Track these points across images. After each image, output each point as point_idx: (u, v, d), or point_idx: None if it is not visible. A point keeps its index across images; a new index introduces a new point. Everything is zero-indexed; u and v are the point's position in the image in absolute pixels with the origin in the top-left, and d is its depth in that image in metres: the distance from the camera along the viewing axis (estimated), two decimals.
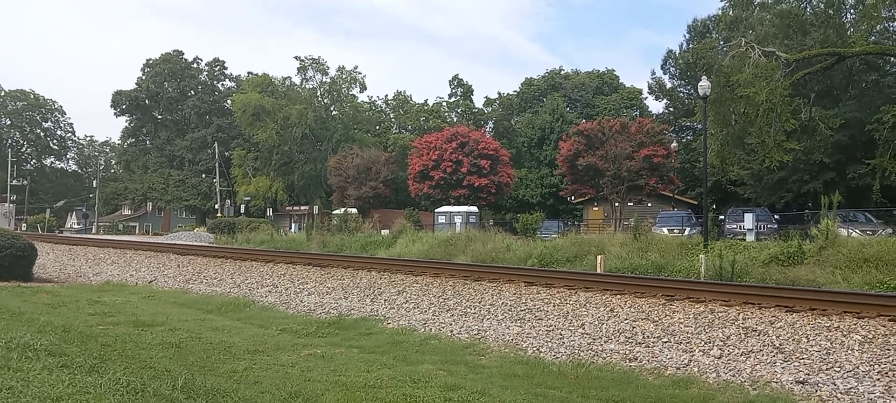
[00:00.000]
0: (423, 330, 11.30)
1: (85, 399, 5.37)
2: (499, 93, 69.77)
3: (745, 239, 22.62)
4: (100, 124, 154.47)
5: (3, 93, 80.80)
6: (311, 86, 62.40)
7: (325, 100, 62.82)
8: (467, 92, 67.74)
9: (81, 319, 10.93)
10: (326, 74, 62.46)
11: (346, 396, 6.53)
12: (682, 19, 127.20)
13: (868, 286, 13.63)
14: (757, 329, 9.47)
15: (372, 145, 55.05)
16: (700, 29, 51.66)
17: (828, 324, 9.27)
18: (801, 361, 8.28)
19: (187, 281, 18.17)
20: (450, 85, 68.08)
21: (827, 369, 7.98)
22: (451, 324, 11.44)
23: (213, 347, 8.91)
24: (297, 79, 62.90)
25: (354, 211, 40.88)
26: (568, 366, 8.81)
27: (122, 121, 74.21)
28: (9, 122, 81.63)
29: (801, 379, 7.78)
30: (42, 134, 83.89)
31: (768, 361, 8.42)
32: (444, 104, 68.22)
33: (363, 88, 63.43)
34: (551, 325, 10.80)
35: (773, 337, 9.08)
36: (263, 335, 10.41)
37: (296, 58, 69.05)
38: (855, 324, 9.18)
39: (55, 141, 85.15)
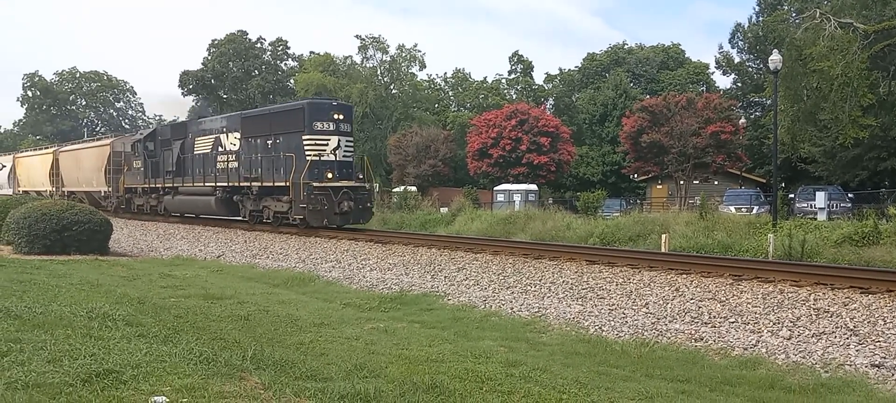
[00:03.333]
0: (483, 306, 11.34)
1: (161, 366, 5.60)
2: (560, 70, 68.85)
3: (816, 219, 21.85)
4: (168, 103, 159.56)
5: (78, 75, 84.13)
6: (371, 65, 62.87)
7: (386, 79, 63.18)
8: (527, 68, 67.06)
9: (155, 291, 11.39)
10: (386, 53, 62.75)
11: (409, 369, 6.63)
12: None
13: None
14: (829, 310, 9.16)
15: (431, 123, 55.14)
16: (771, 1, 49.71)
17: None
18: (877, 344, 7.98)
19: (254, 256, 18.67)
20: (509, 61, 67.51)
21: None
22: (511, 302, 11.45)
23: (279, 320, 9.17)
24: (357, 58, 63.43)
25: (414, 189, 41.15)
26: (631, 345, 8.72)
27: (190, 101, 76.34)
28: (84, 103, 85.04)
29: (876, 363, 7.51)
30: (115, 113, 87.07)
31: (841, 343, 8.15)
32: (504, 81, 67.75)
33: (422, 66, 63.52)
34: (614, 304, 10.69)
35: (847, 319, 8.77)
36: (328, 308, 10.65)
37: (356, 36, 69.50)
38: None
39: (127, 120, 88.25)
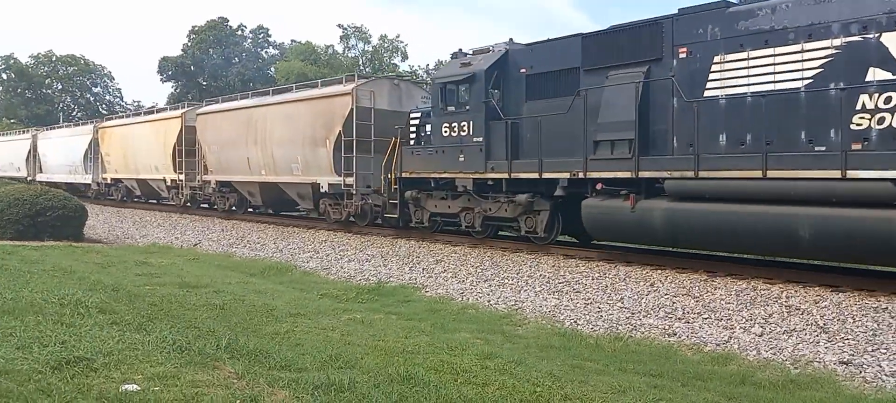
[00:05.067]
0: (460, 299, 11.38)
1: (133, 354, 5.57)
2: None
3: None
4: (147, 89, 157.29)
5: (54, 59, 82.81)
6: (353, 55, 62.60)
7: (368, 69, 62.98)
8: None
9: (129, 279, 11.28)
10: (369, 43, 62.57)
11: (384, 360, 6.65)
12: None
13: None
14: (800, 307, 9.31)
15: None
16: None
17: (875, 305, 9.06)
18: (846, 341, 8.12)
19: (231, 245, 18.55)
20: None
21: (872, 350, 7.81)
22: (488, 294, 11.50)
23: (255, 309, 9.13)
24: (339, 48, 63.17)
25: None
26: (606, 339, 8.80)
27: (169, 87, 75.48)
28: (60, 87, 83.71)
29: (844, 360, 7.64)
30: (92, 98, 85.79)
31: (811, 341, 8.28)
32: None
33: (405, 57, 63.44)
34: (589, 298, 10.77)
35: (817, 317, 8.91)
36: (305, 299, 10.62)
37: (339, 25, 69.30)
38: None
39: (104, 105, 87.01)
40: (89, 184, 32.65)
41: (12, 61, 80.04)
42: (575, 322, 9.77)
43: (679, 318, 9.53)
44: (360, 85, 18.25)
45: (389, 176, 16.57)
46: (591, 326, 9.54)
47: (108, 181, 31.07)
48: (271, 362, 6.10)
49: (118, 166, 29.73)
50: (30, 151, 39.38)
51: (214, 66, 71.37)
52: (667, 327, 9.24)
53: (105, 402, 4.41)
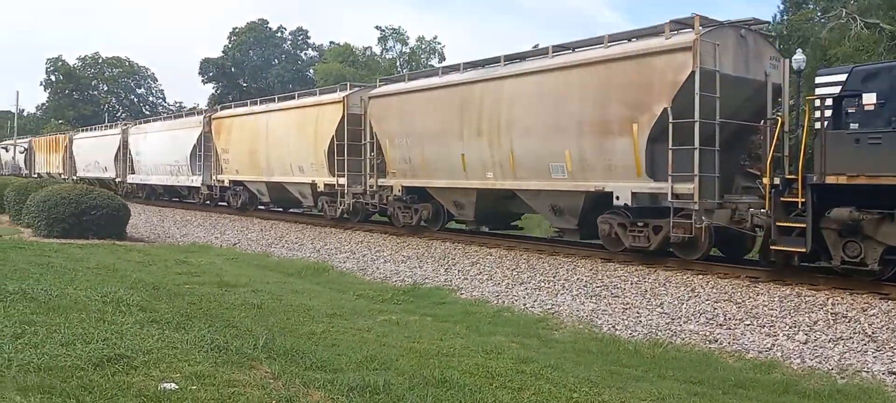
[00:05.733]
0: (495, 302, 11.31)
1: (172, 353, 5.63)
2: None
3: None
4: (189, 91, 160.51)
5: (100, 60, 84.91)
6: (390, 57, 62.90)
7: (405, 70, 63.22)
8: None
9: (170, 278, 11.46)
10: (406, 44, 62.82)
11: (419, 363, 6.62)
12: None
13: None
14: (847, 315, 9.03)
15: None
16: None
17: None
18: None
19: (269, 245, 18.76)
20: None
21: None
22: (524, 298, 11.41)
23: (292, 309, 9.19)
24: (377, 49, 63.54)
25: None
26: (644, 345, 8.66)
27: (209, 89, 76.81)
28: (106, 88, 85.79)
29: (894, 371, 7.39)
30: (135, 99, 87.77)
31: (858, 349, 8.03)
32: None
33: (442, 58, 63.45)
34: (628, 303, 10.61)
35: (865, 325, 8.64)
36: (341, 299, 10.67)
37: (376, 27, 69.65)
38: None
39: (147, 106, 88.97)
40: (197, 188, 27.14)
41: (60, 63, 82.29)
42: (613, 327, 9.63)
43: (720, 325, 9.33)
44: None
45: (765, 180, 10.56)
46: (629, 331, 9.40)
47: (226, 184, 25.30)
48: (307, 362, 6.11)
49: (241, 165, 23.92)
50: (119, 148, 33.98)
51: (254, 67, 72.40)
52: (708, 333, 9.05)
53: (144, 400, 4.46)
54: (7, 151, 58.47)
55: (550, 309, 10.68)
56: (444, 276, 13.31)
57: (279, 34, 74.14)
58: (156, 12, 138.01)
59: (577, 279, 12.11)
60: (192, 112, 31.25)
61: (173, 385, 4.75)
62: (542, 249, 14.73)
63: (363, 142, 18.36)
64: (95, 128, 41.09)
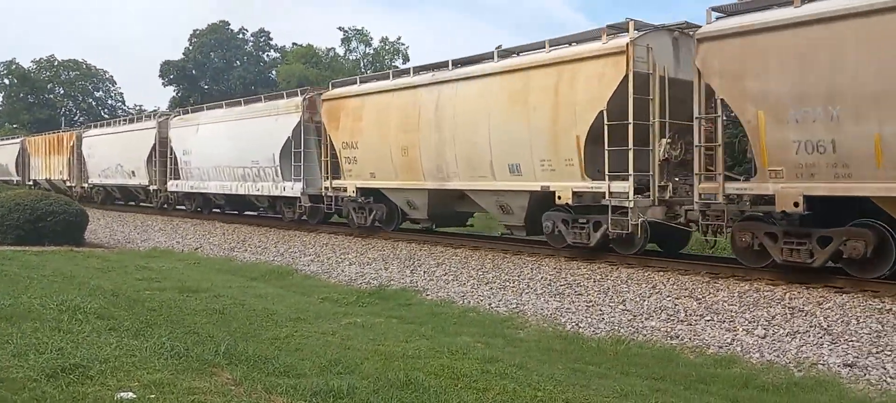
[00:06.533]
0: (461, 302, 11.32)
1: (131, 361, 5.53)
2: None
3: None
4: (148, 94, 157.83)
5: (56, 64, 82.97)
6: (354, 58, 62.65)
7: (369, 72, 63.06)
8: None
9: (129, 284, 11.24)
10: (370, 46, 62.64)
11: (385, 365, 6.59)
12: None
13: None
14: (804, 309, 9.24)
15: None
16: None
17: (879, 306, 8.99)
18: (850, 343, 8.05)
19: (232, 249, 18.52)
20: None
21: (877, 352, 7.74)
22: (489, 297, 11.44)
23: (255, 314, 9.08)
24: (340, 51, 63.23)
25: None
26: (607, 342, 8.74)
27: (170, 91, 75.59)
28: (62, 92, 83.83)
29: (849, 362, 7.57)
30: (93, 103, 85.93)
31: (815, 342, 8.21)
32: None
33: (406, 60, 63.41)
34: (591, 301, 10.71)
35: (821, 318, 8.85)
36: (305, 303, 10.57)
37: (340, 28, 69.57)
38: None
39: (106, 110, 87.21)
40: (295, 198, 19.65)
41: (14, 66, 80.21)
42: (577, 325, 9.71)
43: (681, 321, 9.47)
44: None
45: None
46: (592, 329, 9.49)
47: (350, 193, 17.74)
48: (270, 368, 6.05)
49: (375, 166, 16.77)
50: (155, 146, 26.52)
51: (216, 70, 71.46)
52: (669, 329, 9.18)
53: None
54: None
55: (515, 308, 10.73)
56: (410, 278, 13.28)
57: (241, 36, 73.30)
58: (113, 14, 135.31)
59: (542, 278, 12.19)
60: (275, 94, 22.58)
61: (131, 394, 4.66)
62: (507, 249, 14.81)
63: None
64: (116, 123, 32.69)
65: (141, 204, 30.62)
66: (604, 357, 8.00)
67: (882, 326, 8.38)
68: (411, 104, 15.68)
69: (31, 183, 38.72)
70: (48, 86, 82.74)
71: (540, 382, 6.29)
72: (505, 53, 14.05)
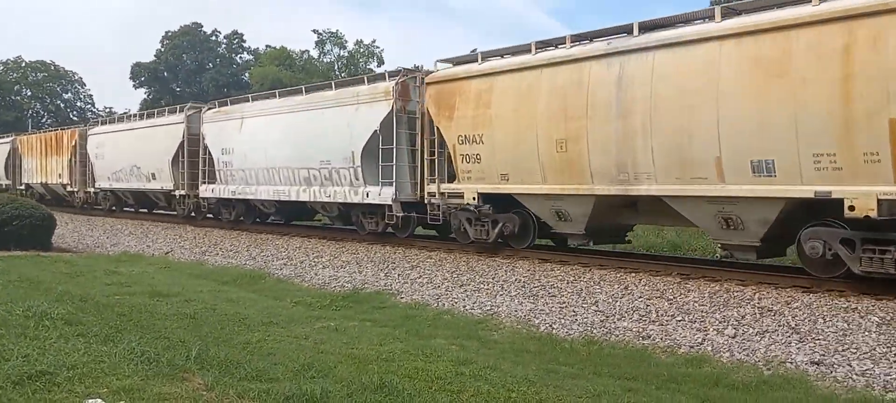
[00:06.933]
0: (436, 304, 11.32)
1: (100, 367, 5.45)
2: None
3: None
4: (119, 96, 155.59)
5: (23, 65, 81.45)
6: (328, 60, 62.39)
7: (343, 74, 62.83)
8: None
9: (98, 289, 11.07)
10: (344, 48, 62.44)
11: (358, 368, 6.57)
12: None
13: None
14: (772, 309, 9.39)
15: None
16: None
17: (845, 305, 9.16)
18: (817, 342, 8.20)
19: (203, 253, 18.32)
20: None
21: (843, 350, 7.90)
22: (463, 300, 11.45)
23: (227, 318, 9.00)
24: (315, 53, 62.94)
25: None
26: (580, 343, 8.80)
27: (141, 93, 74.66)
28: (30, 93, 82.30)
29: (816, 360, 7.71)
30: (62, 104, 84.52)
31: (783, 341, 8.35)
32: None
33: (381, 62, 63.33)
34: (564, 302, 10.78)
35: (789, 318, 9.00)
36: (278, 307, 10.49)
37: (314, 31, 69.23)
38: (873, 306, 9.06)
39: (75, 112, 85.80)
40: (382, 206, 16.08)
41: None
42: (550, 326, 9.76)
43: (653, 321, 9.57)
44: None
45: None
46: (566, 330, 9.54)
47: (468, 200, 14.17)
48: (242, 372, 6.00)
49: (511, 165, 13.37)
50: (181, 146, 22.93)
51: (188, 72, 70.74)
52: (641, 330, 9.27)
53: None
54: None
55: (490, 310, 10.75)
56: (385, 281, 13.25)
57: (214, 38, 72.65)
58: (83, 15, 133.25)
59: (516, 279, 12.23)
60: (351, 80, 18.74)
61: (99, 400, 4.59)
62: (481, 251, 14.83)
63: None
64: (132, 117, 28.52)
65: (160, 211, 27.16)
66: (577, 358, 8.06)
67: (848, 325, 8.54)
68: (574, 83, 12.07)
69: (22, 187, 35.23)
70: (15, 88, 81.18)
71: (514, 383, 6.32)
72: (730, 10, 10.64)
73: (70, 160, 30.26)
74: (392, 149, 15.53)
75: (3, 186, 36.65)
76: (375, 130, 15.78)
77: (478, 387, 6.15)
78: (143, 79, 71.67)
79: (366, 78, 17.54)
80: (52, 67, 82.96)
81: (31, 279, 11.53)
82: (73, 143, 30.09)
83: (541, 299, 11.07)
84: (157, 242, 20.89)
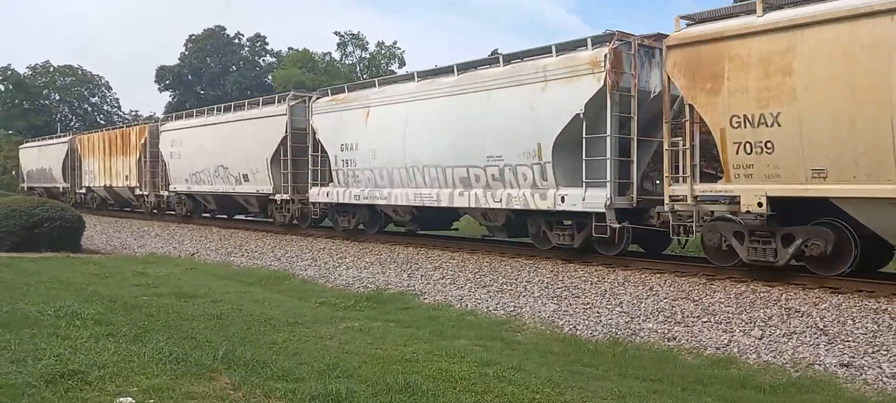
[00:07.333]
0: (459, 305, 11.33)
1: (129, 366, 5.53)
2: None
3: None
4: (144, 99, 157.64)
5: (52, 69, 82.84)
6: (350, 62, 62.68)
7: (365, 76, 63.05)
8: None
9: (127, 289, 11.24)
10: (366, 50, 62.69)
11: (382, 369, 6.60)
12: None
13: None
14: (800, 310, 9.27)
15: None
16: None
17: (875, 306, 9.02)
18: (846, 344, 8.08)
19: (229, 254, 18.51)
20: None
21: (873, 352, 7.77)
22: (487, 300, 11.45)
23: (253, 319, 9.08)
24: (337, 55, 63.27)
25: None
26: (605, 344, 8.76)
27: (166, 96, 75.56)
28: (58, 97, 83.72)
29: (845, 362, 7.60)
30: (89, 108, 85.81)
31: (811, 343, 8.24)
32: None
33: (402, 64, 63.45)
34: (588, 303, 10.73)
35: (817, 319, 8.88)
36: (303, 307, 10.58)
37: (336, 33, 69.57)
38: None
39: (102, 115, 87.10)
40: (585, 214, 12.58)
41: (10, 72, 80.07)
42: (574, 327, 9.73)
43: (678, 322, 9.49)
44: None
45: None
46: (590, 331, 9.50)
47: (748, 207, 10.26)
48: (268, 372, 6.05)
49: (829, 156, 9.41)
50: (284, 142, 19.38)
51: (212, 75, 71.48)
52: (666, 331, 9.20)
53: None
54: (33, 155, 39.34)
55: (513, 311, 10.74)
56: (408, 281, 13.29)
57: (237, 41, 73.34)
58: (110, 19, 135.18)
59: (539, 280, 12.20)
60: (535, 50, 13.85)
61: (129, 399, 4.67)
62: (505, 251, 14.81)
63: None
64: (213, 111, 23.98)
65: (251, 218, 24.35)
66: (601, 360, 8.02)
67: (878, 326, 8.41)
68: None
69: (83, 191, 32.78)
70: (44, 92, 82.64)
71: (538, 384, 6.30)
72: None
73: (138, 160, 27.28)
74: (604, 138, 12.13)
75: (61, 190, 34.64)
76: (578, 114, 12.28)
77: (502, 388, 6.15)
78: (167, 82, 72.52)
79: (554, 47, 13.20)
80: (80, 71, 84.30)
81: (62, 280, 11.74)
82: (143, 141, 26.97)
83: (564, 300, 11.03)
84: (183, 244, 21.14)
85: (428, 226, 17.76)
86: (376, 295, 12.16)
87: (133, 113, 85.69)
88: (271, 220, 21.31)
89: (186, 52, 72.19)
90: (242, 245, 19.60)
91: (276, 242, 19.31)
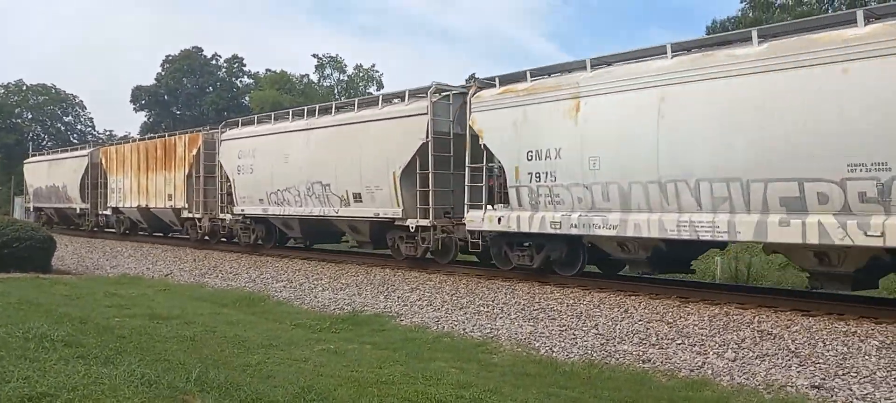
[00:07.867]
0: (435, 327, 11.30)
1: (100, 389, 5.44)
2: None
3: None
4: (119, 119, 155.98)
5: (25, 88, 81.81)
6: (328, 84, 62.76)
7: (343, 97, 63.18)
8: None
9: (98, 311, 11.06)
10: (344, 72, 62.84)
11: (358, 392, 6.56)
12: (701, 20, 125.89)
13: (887, 291, 13.47)
14: (772, 332, 9.39)
15: None
16: (718, 31, 51.21)
17: (845, 329, 9.17)
18: (817, 365, 8.19)
19: (203, 275, 18.30)
20: (466, 83, 68.24)
21: (843, 374, 7.89)
22: (463, 322, 11.44)
23: (227, 341, 8.98)
24: (314, 77, 63.34)
25: None
26: (580, 366, 8.78)
27: (142, 116, 74.95)
28: (30, 116, 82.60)
29: (816, 384, 7.69)
30: (62, 127, 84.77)
31: (783, 365, 8.34)
32: None
33: (380, 86, 63.74)
34: (564, 325, 10.77)
35: (789, 341, 8.99)
36: (277, 329, 10.48)
37: (314, 55, 69.81)
38: (873, 329, 9.07)
39: (75, 135, 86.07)
40: None
41: None
42: (550, 349, 9.75)
43: (653, 344, 9.56)
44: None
45: None
46: (565, 353, 9.53)
47: None
48: (242, 395, 5.99)
49: None
50: (422, 149, 15.01)
51: (188, 95, 71.10)
52: (641, 353, 9.25)
53: None
54: (42, 171, 34.40)
55: (490, 332, 10.74)
56: (384, 303, 13.24)
57: (214, 61, 73.12)
58: (84, 38, 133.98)
59: (516, 302, 12.23)
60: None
61: None
62: (481, 274, 14.83)
63: None
64: (299, 116, 19.33)
65: (352, 247, 20.52)
66: (577, 381, 8.03)
67: (848, 348, 8.54)
68: None
69: (107, 212, 28.38)
70: (16, 111, 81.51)
71: None
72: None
73: (187, 176, 22.97)
74: None
75: (77, 212, 30.84)
76: None
77: None
78: (143, 102, 72.00)
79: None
80: (53, 90, 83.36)
81: (31, 301, 11.52)
82: (194, 152, 22.65)
83: (540, 322, 11.06)
84: (156, 264, 20.87)
85: (672, 266, 12.84)
86: (352, 317, 12.07)
87: (107, 132, 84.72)
88: (391, 254, 16.94)
89: (162, 73, 71.81)
90: (217, 266, 19.37)
91: (251, 263, 19.09)
